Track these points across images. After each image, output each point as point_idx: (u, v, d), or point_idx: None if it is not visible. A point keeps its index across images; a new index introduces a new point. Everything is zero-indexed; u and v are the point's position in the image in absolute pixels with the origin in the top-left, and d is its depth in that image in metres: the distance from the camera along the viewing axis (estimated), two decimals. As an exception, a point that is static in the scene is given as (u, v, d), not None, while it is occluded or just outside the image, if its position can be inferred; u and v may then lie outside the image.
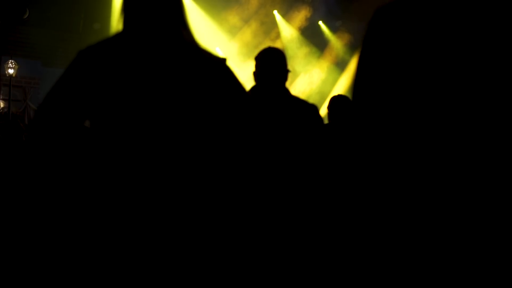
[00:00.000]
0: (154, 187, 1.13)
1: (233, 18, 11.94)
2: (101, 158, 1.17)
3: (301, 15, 12.67)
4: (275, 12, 12.82)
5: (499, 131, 0.75)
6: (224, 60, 1.37)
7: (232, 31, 12.26)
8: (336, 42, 13.24)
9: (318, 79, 13.21)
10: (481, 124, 0.77)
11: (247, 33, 12.43)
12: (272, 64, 2.09)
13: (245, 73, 12.82)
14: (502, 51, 0.75)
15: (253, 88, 2.12)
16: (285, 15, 12.87)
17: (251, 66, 9.78)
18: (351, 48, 13.07)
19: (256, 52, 9.95)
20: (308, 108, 2.05)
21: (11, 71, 7.82)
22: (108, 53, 1.31)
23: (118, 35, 1.37)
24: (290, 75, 9.49)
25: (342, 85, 13.18)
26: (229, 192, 1.36)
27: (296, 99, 2.08)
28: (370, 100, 0.91)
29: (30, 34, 10.53)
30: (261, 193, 1.80)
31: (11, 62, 7.81)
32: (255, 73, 2.16)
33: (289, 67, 9.34)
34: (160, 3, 1.34)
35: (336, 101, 2.98)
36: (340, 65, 13.34)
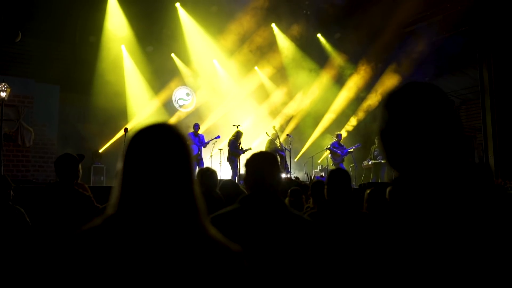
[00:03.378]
0: None
1: (232, 34, 11.79)
2: None
3: (300, 28, 12.55)
4: (273, 25, 12.68)
5: None
6: (240, 255, 1.17)
7: (231, 49, 12.12)
8: (335, 56, 13.11)
9: (316, 95, 13.07)
10: None
11: (246, 50, 12.28)
12: (263, 172, 1.95)
13: (243, 89, 12.65)
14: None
15: (244, 199, 1.97)
16: (283, 27, 12.73)
17: (249, 82, 9.58)
18: (349, 62, 12.95)
19: (255, 66, 9.70)
20: (305, 227, 1.89)
21: (3, 94, 7.64)
22: (97, 251, 1.08)
23: (110, 220, 1.13)
24: (289, 91, 9.43)
25: (341, 100, 13.04)
26: None
27: (292, 215, 1.93)
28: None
29: (25, 45, 10.42)
30: None
31: (3, 85, 7.63)
32: (246, 181, 2.02)
33: (289, 84, 9.14)
34: (170, 175, 1.12)
35: (336, 174, 2.86)
36: (339, 81, 13.21)
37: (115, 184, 1.17)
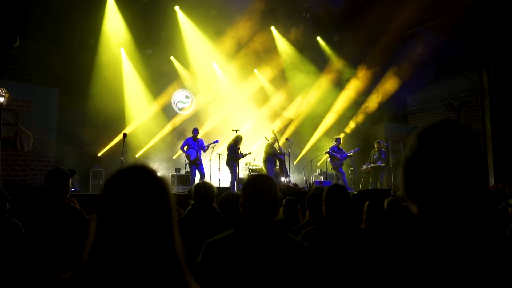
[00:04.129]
0: None
1: (231, 37, 11.76)
2: None
3: (299, 31, 12.53)
4: (272, 28, 12.65)
5: None
6: None
7: (231, 52, 12.09)
8: (334, 59, 13.08)
9: (315, 98, 13.03)
10: None
11: (245, 53, 12.25)
12: (260, 197, 1.91)
13: (243, 93, 12.63)
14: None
15: (241, 224, 1.93)
16: (282, 30, 12.70)
17: (248, 85, 9.58)
18: (349, 65, 12.93)
19: (254, 69, 9.72)
20: (303, 254, 1.87)
21: (1, 99, 7.63)
22: None
23: (81, 272, 1.07)
24: (288, 94, 9.46)
25: (340, 103, 13.01)
26: None
27: (290, 241, 1.90)
28: None
29: (24, 49, 10.40)
30: None
31: (2, 90, 7.62)
32: (242, 204, 1.98)
33: (288, 87, 9.12)
34: (146, 222, 1.07)
35: (333, 192, 2.84)
36: (339, 84, 13.18)
37: (91, 228, 1.11)
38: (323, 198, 2.81)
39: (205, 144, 9.80)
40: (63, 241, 3.12)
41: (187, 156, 9.68)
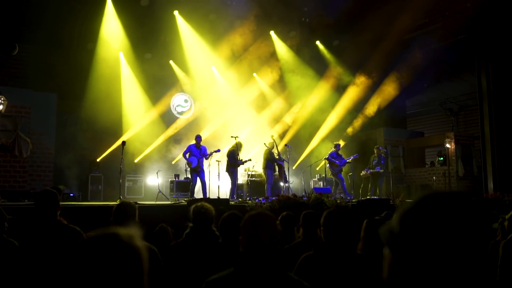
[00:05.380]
0: None
1: (230, 42, 11.72)
2: None
3: (298, 35, 12.50)
4: (272, 33, 12.61)
5: None
6: None
7: (230, 56, 12.05)
8: (334, 64, 13.06)
9: (315, 103, 13.01)
10: None
11: (244, 58, 12.21)
12: (260, 237, 1.89)
13: (242, 97, 12.59)
14: None
15: (240, 264, 1.91)
16: (281, 35, 12.67)
17: (248, 90, 9.57)
18: (348, 70, 12.91)
19: (253, 73, 9.66)
20: None
21: (0, 106, 7.61)
22: None
23: None
24: (288, 99, 9.40)
25: (340, 108, 13.00)
26: None
27: (290, 280, 1.88)
28: None
29: (23, 54, 10.36)
30: None
31: (0, 98, 7.60)
32: (241, 243, 1.96)
33: (287, 92, 9.06)
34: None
35: (332, 217, 2.84)
36: (338, 89, 13.17)
37: None
38: (321, 223, 2.80)
39: (208, 152, 9.72)
40: (60, 261, 3.13)
41: (188, 164, 9.62)
